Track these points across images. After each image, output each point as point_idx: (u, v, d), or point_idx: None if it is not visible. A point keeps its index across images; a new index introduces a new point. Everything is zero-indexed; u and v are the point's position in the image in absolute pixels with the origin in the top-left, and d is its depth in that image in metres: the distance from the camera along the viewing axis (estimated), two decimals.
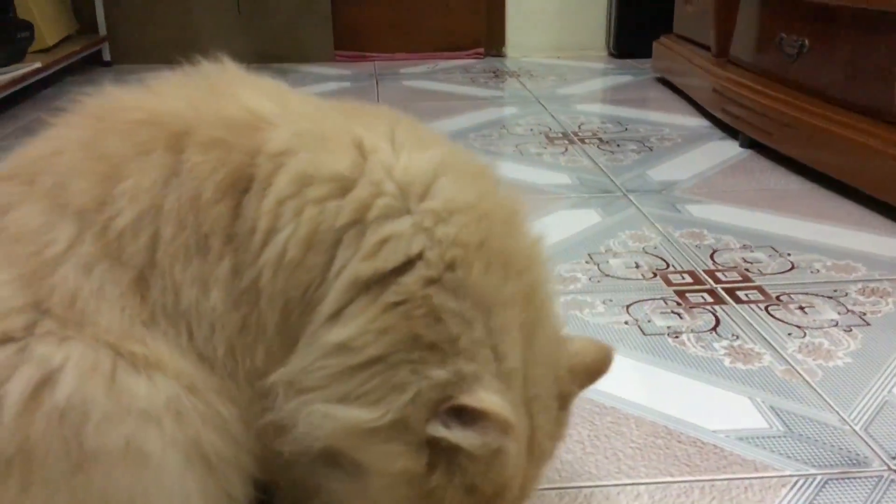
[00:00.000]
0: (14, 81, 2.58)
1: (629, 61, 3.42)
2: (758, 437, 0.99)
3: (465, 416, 0.64)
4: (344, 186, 0.68)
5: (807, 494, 0.89)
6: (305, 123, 0.73)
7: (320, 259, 0.68)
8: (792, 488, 0.90)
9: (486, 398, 0.64)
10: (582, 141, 2.30)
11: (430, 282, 0.66)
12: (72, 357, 0.65)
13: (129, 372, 0.66)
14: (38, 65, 2.75)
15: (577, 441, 0.98)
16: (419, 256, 0.66)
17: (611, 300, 1.35)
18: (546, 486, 0.90)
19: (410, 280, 0.66)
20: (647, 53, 3.08)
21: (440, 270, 0.66)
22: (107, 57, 3.47)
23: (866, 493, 0.89)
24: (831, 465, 0.94)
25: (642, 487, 0.91)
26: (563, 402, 0.74)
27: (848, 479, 0.91)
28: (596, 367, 0.76)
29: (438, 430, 0.64)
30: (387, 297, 0.66)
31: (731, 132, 2.27)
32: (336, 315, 0.67)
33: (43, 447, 0.64)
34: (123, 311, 0.68)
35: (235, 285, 0.69)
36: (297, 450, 0.68)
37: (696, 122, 2.46)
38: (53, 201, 0.69)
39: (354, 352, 0.66)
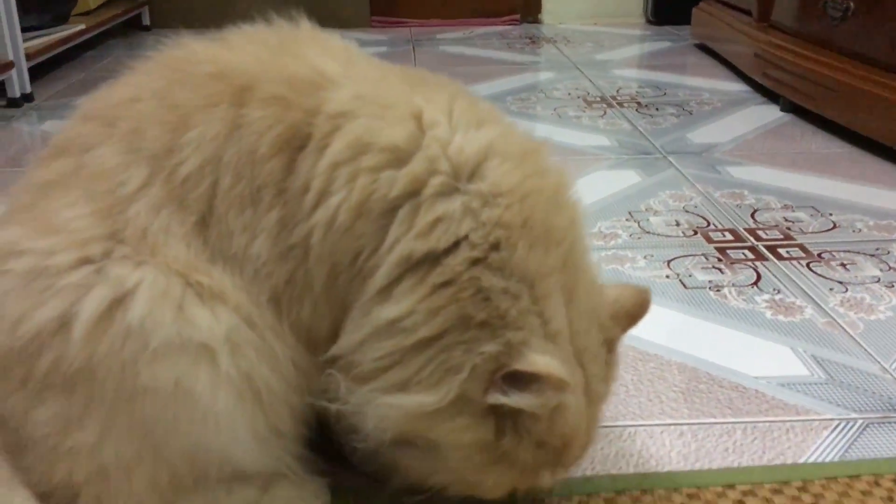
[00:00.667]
0: (59, 42, 2.63)
1: (667, 28, 3.40)
2: (799, 384, 1.01)
3: (521, 380, 0.67)
4: (400, 158, 0.70)
5: (848, 436, 0.91)
6: (368, 87, 0.75)
7: (370, 228, 0.70)
8: (833, 431, 0.92)
9: (538, 360, 0.67)
10: (620, 105, 2.30)
11: (475, 262, 0.69)
12: (145, 280, 0.69)
13: (195, 302, 0.70)
14: (81, 27, 2.79)
15: (621, 385, 1.01)
16: (465, 238, 0.69)
17: (652, 255, 1.37)
18: None
19: (456, 261, 0.68)
20: (684, 20, 3.05)
21: (485, 251, 0.69)
22: (146, 21, 3.51)
23: None
24: (872, 409, 0.96)
25: (685, 427, 0.93)
26: (610, 345, 0.76)
27: (888, 423, 0.93)
28: (636, 309, 0.78)
29: (498, 399, 0.67)
30: (434, 278, 0.69)
31: (771, 97, 2.26)
32: (387, 290, 0.70)
33: (104, 369, 0.68)
34: (189, 247, 0.72)
35: (282, 238, 0.72)
36: (371, 444, 0.72)
37: (736, 86, 2.44)
38: (129, 145, 0.73)
39: (407, 332, 0.68)
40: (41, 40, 2.55)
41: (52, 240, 0.70)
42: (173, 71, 0.77)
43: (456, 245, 0.69)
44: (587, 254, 0.77)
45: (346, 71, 0.76)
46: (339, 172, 0.70)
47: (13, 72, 2.29)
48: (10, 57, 2.28)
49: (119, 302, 0.68)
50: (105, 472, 0.70)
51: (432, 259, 0.69)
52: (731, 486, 0.83)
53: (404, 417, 0.69)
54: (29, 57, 2.37)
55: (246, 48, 0.79)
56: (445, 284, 0.69)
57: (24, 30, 2.37)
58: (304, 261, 0.72)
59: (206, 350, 0.70)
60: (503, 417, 0.69)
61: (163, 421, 0.70)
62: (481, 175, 0.71)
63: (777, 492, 0.82)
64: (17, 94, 2.32)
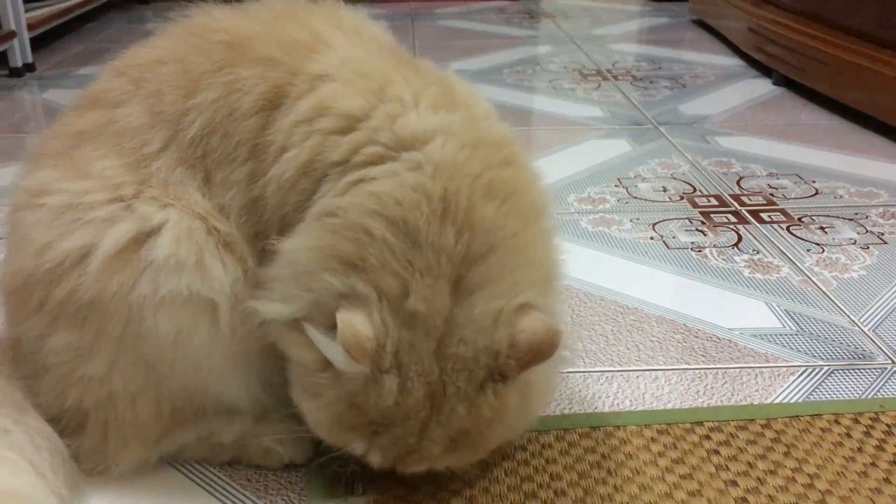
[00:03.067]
0: (60, 13, 2.66)
1: (665, 4, 3.41)
2: (771, 335, 1.05)
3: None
4: (349, 125, 0.73)
5: (812, 382, 0.96)
6: (356, 54, 0.78)
7: (309, 186, 0.73)
8: (799, 376, 0.97)
9: (353, 322, 0.63)
10: (615, 78, 2.33)
11: (371, 213, 0.67)
12: (171, 219, 0.74)
13: (212, 250, 0.75)
14: None
15: (600, 335, 1.06)
16: (375, 194, 0.68)
17: (638, 219, 1.41)
18: (570, 370, 0.98)
19: (355, 210, 0.68)
20: None
21: (387, 204, 0.67)
22: None
23: (869, 381, 0.95)
24: (838, 358, 1.00)
25: (660, 373, 0.98)
26: (500, 374, 0.68)
27: (853, 370, 0.98)
28: (541, 346, 0.67)
29: (311, 332, 0.66)
30: (330, 220, 0.69)
31: (764, 71, 2.29)
32: (296, 233, 0.72)
33: (114, 307, 0.73)
34: (204, 198, 0.77)
35: (248, 191, 0.77)
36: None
37: (730, 61, 2.47)
38: (151, 107, 0.78)
39: (294, 264, 0.70)
40: (43, 11, 2.58)
41: (86, 183, 0.75)
42: (194, 37, 0.82)
43: (363, 200, 0.69)
44: (521, 271, 0.70)
45: (347, 40, 0.80)
46: (297, 130, 0.74)
47: (15, 41, 2.32)
48: (13, 26, 2.31)
49: (144, 237, 0.73)
50: (112, 400, 0.75)
51: (337, 212, 0.69)
52: (699, 423, 0.88)
53: (267, 323, 0.70)
54: (30, 27, 2.40)
55: (259, 17, 0.83)
56: (333, 229, 0.68)
57: (25, 0, 2.40)
58: (263, 214, 0.76)
59: (210, 306, 0.74)
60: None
61: (164, 363, 0.75)
62: (421, 148, 0.71)
63: (742, 428, 0.87)
64: (19, 64, 2.35)
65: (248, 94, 0.76)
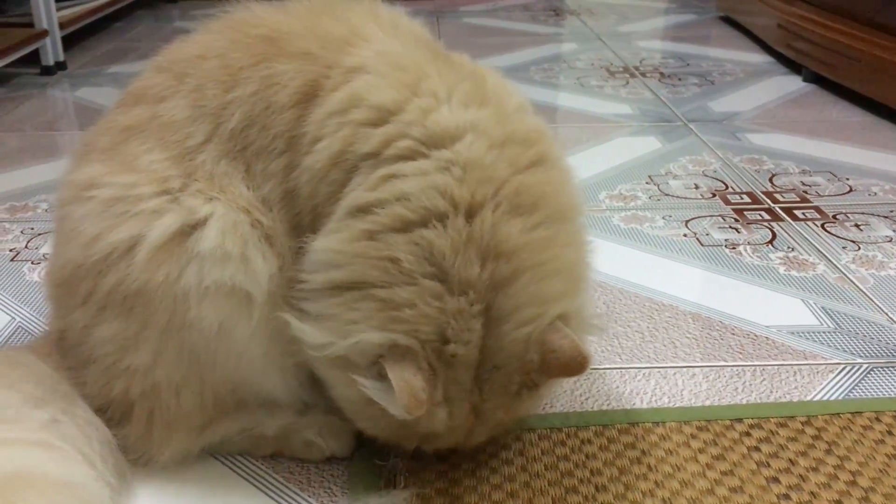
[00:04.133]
0: (91, 12, 2.69)
1: (691, 0, 3.39)
2: (808, 332, 1.05)
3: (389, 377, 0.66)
4: (381, 118, 0.74)
5: (852, 379, 0.95)
6: (393, 48, 0.79)
7: (340, 177, 0.74)
8: (838, 374, 0.96)
9: (405, 376, 0.66)
10: (643, 75, 2.32)
11: (403, 226, 0.69)
12: (217, 212, 0.75)
13: (256, 243, 0.76)
14: None
15: (636, 331, 1.06)
16: (405, 196, 0.70)
17: (670, 216, 1.41)
18: (608, 366, 0.98)
19: (385, 213, 0.69)
20: None
21: (418, 215, 0.69)
22: None
23: None
24: (877, 356, 0.99)
25: (697, 370, 0.98)
26: (531, 384, 0.72)
27: (892, 367, 0.97)
28: (569, 366, 0.71)
29: (362, 383, 0.68)
30: (359, 223, 0.70)
31: (794, 68, 2.27)
32: (328, 231, 0.73)
33: (159, 298, 0.74)
34: (248, 189, 0.78)
35: (284, 183, 0.78)
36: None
37: (759, 58, 2.46)
38: (194, 101, 0.79)
39: (325, 269, 0.71)
40: (74, 9, 2.61)
41: (134, 177, 0.77)
42: (234, 32, 0.83)
43: (394, 200, 0.70)
44: (549, 285, 0.71)
45: (384, 34, 0.81)
46: (330, 121, 0.75)
47: (47, 40, 2.35)
48: (45, 25, 2.34)
49: (190, 229, 0.74)
50: (157, 391, 0.77)
51: (369, 209, 0.71)
52: (739, 420, 0.88)
53: (305, 346, 0.72)
54: (62, 26, 2.43)
55: (297, 12, 0.84)
56: (366, 234, 0.70)
57: None
58: (297, 203, 0.77)
59: (248, 300, 0.75)
60: None
61: (207, 353, 0.76)
62: (450, 147, 0.72)
63: (782, 425, 0.87)
64: (51, 62, 2.38)
65: (285, 88, 0.77)
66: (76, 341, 0.78)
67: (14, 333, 1.07)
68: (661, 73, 2.33)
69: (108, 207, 0.75)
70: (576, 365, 0.70)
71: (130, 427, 0.79)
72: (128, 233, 0.74)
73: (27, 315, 1.12)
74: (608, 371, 0.97)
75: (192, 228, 0.74)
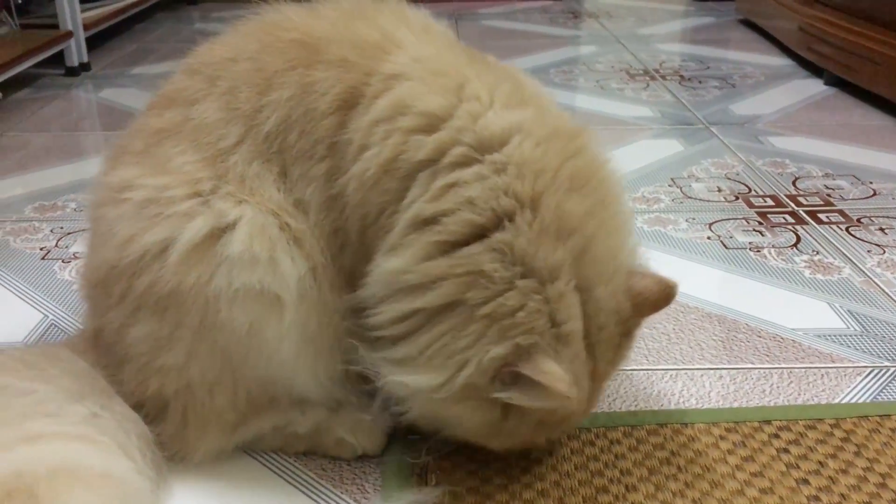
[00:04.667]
0: (114, 13, 2.72)
1: (710, 3, 3.39)
2: (835, 335, 1.05)
3: (526, 379, 0.69)
4: (431, 124, 0.75)
5: (880, 382, 0.95)
6: (429, 52, 0.80)
7: (394, 185, 0.75)
8: (866, 377, 0.96)
9: (545, 369, 0.68)
10: (663, 77, 2.32)
11: (478, 234, 0.71)
12: (245, 216, 0.76)
13: (284, 246, 0.77)
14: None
15: (662, 333, 1.06)
16: (470, 201, 0.71)
17: (693, 218, 1.41)
18: (634, 367, 0.99)
19: (455, 222, 0.71)
20: None
21: (488, 219, 0.71)
22: None
23: None
24: None
25: (724, 372, 0.98)
26: (628, 331, 0.77)
27: None
28: (659, 301, 0.77)
29: (502, 395, 0.70)
30: (431, 236, 0.72)
31: (815, 71, 2.27)
32: (395, 246, 0.74)
33: (191, 299, 0.75)
34: (279, 191, 0.79)
35: (327, 188, 0.78)
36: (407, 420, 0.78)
37: (779, 61, 2.45)
38: (227, 104, 0.81)
39: (406, 292, 0.72)
40: (98, 11, 2.64)
41: (167, 179, 0.78)
42: (266, 35, 0.84)
43: (461, 207, 0.72)
44: (615, 240, 0.76)
45: (417, 39, 0.81)
46: (377, 129, 0.75)
47: (72, 41, 2.38)
48: (69, 27, 2.37)
49: (220, 232, 0.75)
50: (191, 389, 0.78)
51: (435, 219, 0.72)
52: (767, 422, 0.88)
53: (414, 394, 0.74)
54: (86, 27, 2.46)
55: (328, 15, 0.85)
56: (439, 248, 0.71)
57: (81, 1, 2.45)
58: (343, 212, 0.78)
59: (277, 302, 0.76)
60: (508, 404, 0.72)
61: (238, 353, 0.77)
62: (500, 149, 0.73)
63: (811, 427, 0.87)
64: (76, 63, 2.41)
65: (324, 96, 0.78)
66: (112, 340, 0.80)
67: (48, 330, 1.09)
68: (682, 76, 2.33)
69: (141, 209, 0.77)
70: (664, 296, 0.76)
71: (165, 425, 0.81)
72: (161, 235, 0.75)
73: (59, 312, 1.13)
74: (635, 372, 0.98)
75: (221, 231, 0.75)
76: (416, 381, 0.72)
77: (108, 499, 0.69)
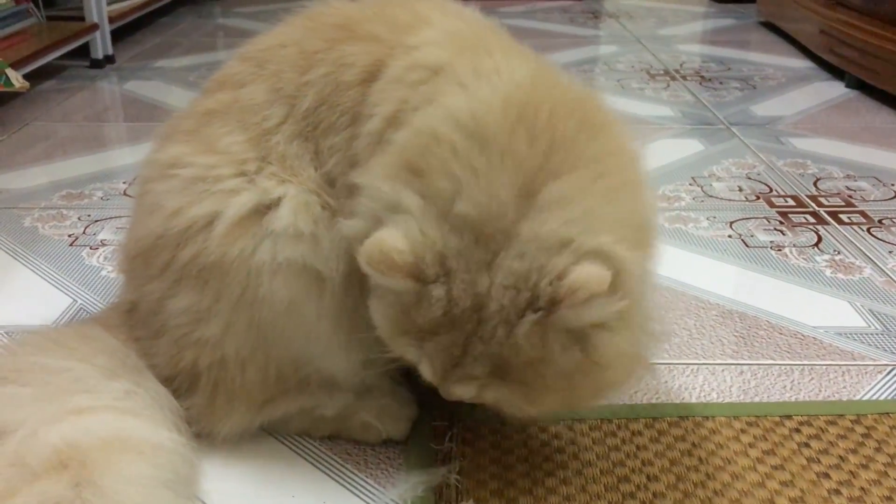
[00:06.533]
0: (139, 6, 2.75)
1: (730, 6, 3.38)
2: (856, 334, 1.05)
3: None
4: (433, 73, 0.76)
5: None
6: (457, 27, 0.81)
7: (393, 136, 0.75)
8: (887, 375, 0.97)
9: (381, 239, 0.64)
10: (684, 78, 2.32)
11: (442, 118, 0.69)
12: (289, 193, 0.78)
13: (326, 224, 0.78)
14: None
15: (683, 328, 1.07)
16: (446, 106, 0.70)
17: (714, 217, 1.42)
18: (656, 361, 1.00)
19: (426, 118, 0.71)
20: None
21: (460, 109, 0.68)
22: None
23: None
24: None
25: (745, 367, 0.99)
26: (537, 304, 0.63)
27: None
28: (577, 293, 0.61)
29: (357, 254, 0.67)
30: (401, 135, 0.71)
31: (836, 73, 2.26)
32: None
33: (234, 270, 0.77)
34: (315, 170, 0.81)
35: (347, 155, 0.80)
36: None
37: (800, 63, 2.45)
38: (272, 85, 0.83)
39: (370, 177, 0.71)
40: (123, 4, 2.67)
41: (215, 158, 0.80)
42: (310, 21, 0.87)
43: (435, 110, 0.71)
44: (607, 204, 0.66)
45: (446, 18, 0.83)
46: (388, 87, 0.77)
47: (97, 34, 2.41)
48: (95, 19, 2.39)
49: (265, 208, 0.78)
50: (225, 363, 0.79)
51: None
52: (788, 417, 0.89)
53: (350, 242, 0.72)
54: (111, 20, 2.49)
55: (369, 3, 0.87)
56: (408, 137, 0.71)
57: None
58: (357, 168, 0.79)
59: (317, 279, 0.78)
60: None
61: (275, 329, 0.78)
62: (490, 78, 0.72)
63: (832, 423, 0.88)
64: (101, 56, 2.44)
65: (352, 67, 0.80)
66: (149, 311, 0.81)
67: (77, 314, 1.11)
68: (702, 77, 2.33)
69: (189, 185, 0.79)
70: (585, 293, 0.60)
71: (195, 398, 0.82)
72: (208, 208, 0.77)
73: (88, 297, 1.15)
74: (657, 366, 0.99)
75: (266, 208, 0.77)
76: (343, 224, 0.72)
77: (161, 467, 0.71)
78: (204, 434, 0.83)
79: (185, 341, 0.79)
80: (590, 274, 0.61)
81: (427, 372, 0.68)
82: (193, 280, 0.77)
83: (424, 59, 0.77)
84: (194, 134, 0.84)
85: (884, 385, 0.95)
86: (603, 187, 0.66)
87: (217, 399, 0.82)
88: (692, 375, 0.97)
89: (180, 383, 0.82)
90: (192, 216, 0.77)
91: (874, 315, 1.10)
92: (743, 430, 0.87)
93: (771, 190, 1.53)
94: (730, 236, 1.34)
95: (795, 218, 1.41)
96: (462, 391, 0.68)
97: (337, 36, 0.82)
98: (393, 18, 0.83)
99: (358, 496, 0.79)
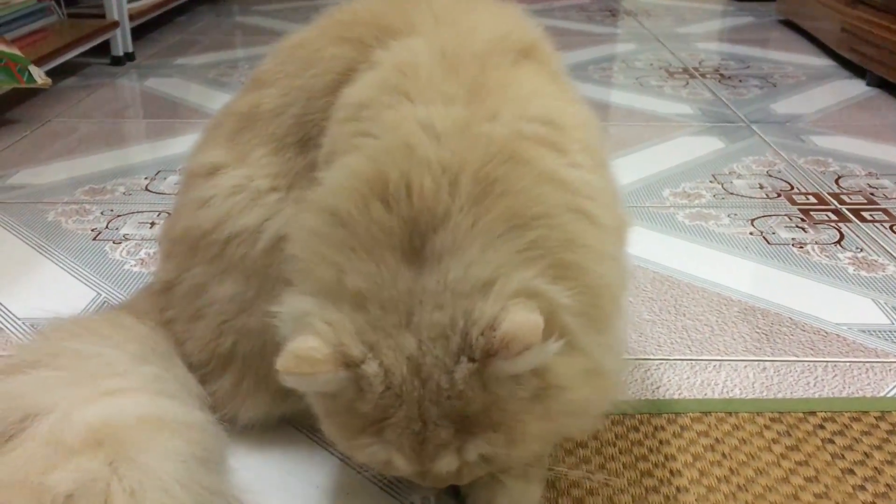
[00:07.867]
0: (159, 4, 2.77)
1: (749, 4, 3.36)
2: (880, 331, 1.05)
3: None
4: (358, 109, 0.71)
5: None
6: (431, 44, 0.73)
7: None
8: None
9: (291, 350, 0.60)
10: (703, 76, 2.31)
11: (312, 204, 0.67)
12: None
13: None
14: None
15: (705, 325, 1.07)
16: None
17: (735, 214, 1.41)
18: (678, 357, 0.99)
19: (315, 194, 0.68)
20: None
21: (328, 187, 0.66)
22: None
23: None
24: None
25: (768, 363, 0.98)
26: (471, 352, 0.59)
27: None
28: (509, 344, 0.57)
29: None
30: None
31: (857, 71, 2.25)
32: None
33: (275, 274, 0.77)
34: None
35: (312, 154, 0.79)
36: None
37: (820, 61, 2.43)
38: (283, 90, 0.83)
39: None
40: (143, 2, 2.68)
41: (250, 170, 0.82)
42: (325, 19, 0.87)
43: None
44: (506, 237, 0.60)
45: (436, 28, 0.77)
46: (335, 113, 0.76)
47: (118, 31, 2.43)
48: (116, 17, 2.41)
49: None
50: (264, 353, 0.80)
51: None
52: (812, 413, 0.88)
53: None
54: (132, 17, 2.50)
55: (384, 1, 0.85)
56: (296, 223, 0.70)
57: None
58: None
59: None
60: None
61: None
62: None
63: (856, 419, 0.87)
64: (121, 53, 2.46)
65: (327, 74, 0.79)
66: (189, 293, 0.82)
67: (101, 307, 1.12)
68: (721, 75, 2.32)
69: (233, 193, 0.80)
70: (518, 344, 0.56)
71: (222, 381, 0.83)
72: (252, 221, 0.79)
73: (112, 290, 1.16)
74: (678, 362, 0.99)
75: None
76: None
77: (195, 443, 0.71)
78: (227, 420, 0.84)
79: (227, 326, 0.81)
80: (521, 324, 0.56)
81: (401, 462, 0.62)
82: (240, 273, 0.79)
83: (357, 94, 0.72)
84: (231, 141, 0.85)
85: None
86: (484, 227, 0.60)
87: (243, 384, 0.82)
88: (714, 371, 0.97)
89: (213, 367, 0.83)
90: (241, 225, 0.79)
91: None
92: (766, 426, 0.87)
93: (792, 187, 1.52)
94: (751, 233, 1.34)
95: (817, 215, 1.40)
96: (443, 465, 0.62)
97: (341, 34, 0.81)
98: (386, 22, 0.79)
99: (381, 488, 0.80)
